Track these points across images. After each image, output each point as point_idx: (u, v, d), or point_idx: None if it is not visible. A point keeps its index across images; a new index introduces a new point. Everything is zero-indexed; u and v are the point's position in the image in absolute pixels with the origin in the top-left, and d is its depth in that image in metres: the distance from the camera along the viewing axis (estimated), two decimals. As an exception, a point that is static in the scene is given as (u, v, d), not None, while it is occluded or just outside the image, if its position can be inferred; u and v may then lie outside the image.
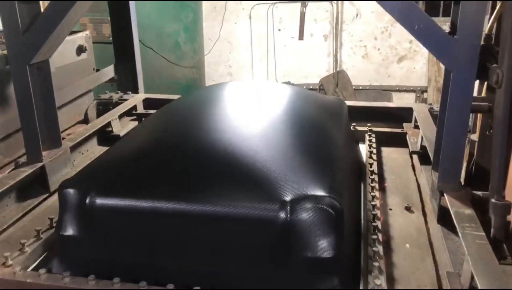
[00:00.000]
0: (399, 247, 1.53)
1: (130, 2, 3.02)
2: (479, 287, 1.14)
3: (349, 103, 2.42)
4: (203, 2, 6.00)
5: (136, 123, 2.71)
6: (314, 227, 1.22)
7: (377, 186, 1.78)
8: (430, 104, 2.58)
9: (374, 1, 1.49)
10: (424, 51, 6.50)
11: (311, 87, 7.10)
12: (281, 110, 1.85)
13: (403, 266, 1.43)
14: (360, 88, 7.03)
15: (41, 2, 1.87)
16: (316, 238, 1.22)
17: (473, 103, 1.52)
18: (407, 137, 2.32)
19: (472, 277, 1.20)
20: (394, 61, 6.96)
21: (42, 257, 1.51)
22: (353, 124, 2.37)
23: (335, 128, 1.84)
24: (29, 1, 1.79)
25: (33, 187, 1.87)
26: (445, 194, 1.57)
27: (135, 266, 1.36)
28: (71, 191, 1.36)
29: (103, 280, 1.27)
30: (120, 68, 3.12)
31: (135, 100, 2.88)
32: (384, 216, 1.69)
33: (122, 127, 2.57)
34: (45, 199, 1.87)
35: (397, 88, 7.00)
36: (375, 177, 1.84)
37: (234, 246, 1.29)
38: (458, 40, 1.44)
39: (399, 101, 6.89)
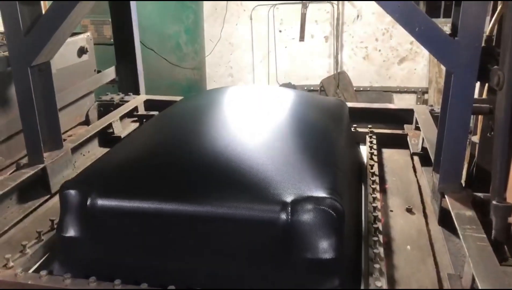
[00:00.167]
0: (400, 248, 1.53)
1: (131, 3, 3.02)
2: (480, 289, 1.14)
3: (350, 104, 2.42)
4: (204, 3, 6.00)
5: (137, 124, 2.71)
6: (315, 228, 1.21)
7: (378, 187, 1.78)
8: (431, 105, 2.58)
9: (375, 3, 1.49)
10: (425, 52, 6.50)
11: (312, 88, 7.11)
12: (282, 112, 1.85)
13: (404, 268, 1.43)
14: (361, 89, 7.03)
15: (42, 3, 1.87)
16: (317, 239, 1.21)
17: (474, 104, 1.52)
18: (408, 139, 2.32)
19: (473, 279, 1.20)
20: (395, 63, 6.96)
21: (43, 258, 1.51)
22: (354, 125, 2.37)
23: (335, 129, 1.84)
24: (30, 1, 1.79)
25: (34, 188, 1.87)
26: (446, 196, 1.57)
27: (136, 268, 1.36)
28: (72, 192, 1.36)
29: (104, 281, 1.27)
30: (121, 70, 3.12)
31: (136, 101, 2.88)
32: (385, 218, 1.69)
33: (123, 129, 2.57)
34: (46, 200, 1.87)
35: (398, 90, 6.99)
36: (376, 178, 1.84)
37: (235, 247, 1.29)
38: (459, 41, 1.44)
39: (400, 102, 6.88)
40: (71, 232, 1.36)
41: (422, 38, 1.47)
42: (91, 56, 2.90)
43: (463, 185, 1.63)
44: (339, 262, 1.23)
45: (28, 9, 1.79)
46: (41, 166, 1.88)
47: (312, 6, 6.61)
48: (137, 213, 1.31)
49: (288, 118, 1.81)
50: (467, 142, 1.59)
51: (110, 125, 2.49)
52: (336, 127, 1.87)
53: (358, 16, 6.86)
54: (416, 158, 2.18)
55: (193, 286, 1.29)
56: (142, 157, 1.55)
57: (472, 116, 1.86)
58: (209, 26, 6.77)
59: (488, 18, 1.63)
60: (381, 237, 1.45)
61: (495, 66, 1.45)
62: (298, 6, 6.51)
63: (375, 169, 1.92)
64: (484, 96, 1.99)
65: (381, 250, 1.38)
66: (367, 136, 2.26)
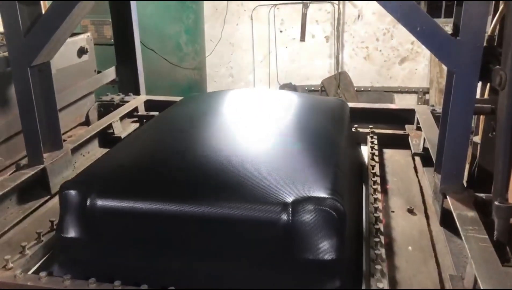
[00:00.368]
0: (402, 249, 1.52)
1: (131, 3, 3.02)
2: (482, 290, 1.14)
3: (350, 104, 2.41)
4: (205, 3, 6.00)
5: (137, 125, 2.71)
6: (316, 229, 1.21)
7: (379, 188, 1.77)
8: (432, 105, 2.57)
9: (376, 2, 1.48)
10: (426, 52, 6.50)
11: (312, 88, 7.11)
12: (282, 114, 1.85)
13: (406, 269, 1.42)
14: (362, 89, 7.02)
15: (42, 3, 1.87)
16: (318, 240, 1.21)
17: (475, 105, 1.51)
18: (409, 139, 2.31)
19: (475, 280, 1.19)
20: (396, 62, 6.95)
21: (43, 260, 1.50)
22: (355, 125, 2.37)
23: (336, 129, 1.84)
24: (30, 1, 1.79)
25: (34, 189, 1.87)
26: (447, 196, 1.56)
27: (136, 268, 1.35)
28: (71, 192, 1.35)
29: (104, 283, 1.27)
30: (122, 70, 3.11)
31: (137, 101, 2.87)
32: (386, 219, 1.68)
33: (123, 129, 2.57)
34: (46, 201, 1.87)
35: (399, 90, 6.99)
36: (377, 179, 1.84)
37: (235, 247, 1.29)
38: (460, 41, 1.43)
39: (401, 102, 6.88)
40: (70, 233, 1.36)
41: (423, 37, 1.46)
42: (91, 57, 2.89)
43: (465, 185, 1.62)
44: (340, 263, 1.22)
45: (28, 9, 1.78)
46: (41, 166, 1.87)
47: (312, 6, 6.62)
48: (137, 213, 1.31)
49: (289, 118, 1.81)
50: (469, 143, 1.58)
51: (110, 126, 2.48)
52: (337, 127, 1.86)
53: (359, 16, 6.86)
54: (417, 158, 2.17)
55: (193, 286, 1.29)
56: (141, 157, 1.55)
57: (473, 116, 1.85)
58: (209, 26, 6.77)
59: (490, 17, 1.63)
60: (382, 238, 1.44)
61: (497, 66, 1.44)
62: (298, 6, 6.52)
63: (376, 169, 1.91)
64: (486, 96, 1.98)
65: (382, 251, 1.37)
66: (368, 137, 2.26)
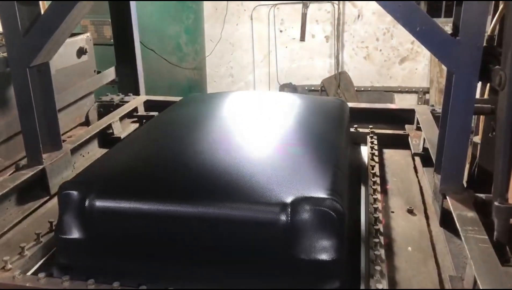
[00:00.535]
0: (401, 250, 1.52)
1: (131, 3, 3.02)
2: (482, 291, 1.13)
3: (350, 104, 2.41)
4: (204, 3, 6.00)
5: (137, 125, 2.70)
6: (315, 229, 1.21)
7: (379, 188, 1.77)
8: (432, 105, 2.56)
9: (376, 2, 1.48)
10: (426, 52, 6.49)
11: (312, 88, 7.11)
12: (282, 115, 1.85)
13: (405, 270, 1.42)
14: (362, 89, 7.02)
15: (41, 3, 1.86)
16: (317, 240, 1.21)
17: (475, 105, 1.51)
18: (409, 139, 2.31)
19: (475, 280, 1.19)
20: (396, 62, 6.95)
21: (42, 261, 1.50)
22: (355, 125, 2.36)
23: (336, 130, 1.83)
24: (29, 1, 1.79)
25: (33, 190, 1.86)
26: (447, 197, 1.56)
27: (135, 269, 1.35)
28: (70, 193, 1.35)
29: (103, 284, 1.26)
30: (121, 70, 3.11)
31: (136, 102, 2.87)
32: (386, 219, 1.68)
33: (123, 129, 2.57)
34: (45, 202, 1.86)
35: (399, 89, 6.99)
36: (377, 179, 1.83)
37: (235, 248, 1.28)
38: (460, 41, 1.42)
39: (401, 102, 6.88)
40: (69, 233, 1.35)
41: (423, 38, 1.46)
42: (90, 57, 2.89)
43: (465, 186, 1.61)
44: (339, 263, 1.22)
45: (27, 9, 1.78)
46: (40, 167, 1.87)
47: (312, 6, 6.61)
48: (136, 214, 1.31)
49: (289, 119, 1.81)
50: (469, 143, 1.58)
51: (109, 126, 2.48)
52: (336, 128, 1.86)
53: (359, 16, 6.86)
54: (417, 158, 2.16)
55: (192, 286, 1.28)
56: (141, 158, 1.54)
57: (473, 116, 1.85)
58: (209, 26, 6.77)
59: (489, 17, 1.62)
60: (382, 239, 1.44)
61: (497, 66, 1.44)
62: (298, 6, 6.51)
63: (376, 169, 1.91)
64: (486, 96, 1.98)
65: (382, 251, 1.37)
66: (368, 137, 2.25)
